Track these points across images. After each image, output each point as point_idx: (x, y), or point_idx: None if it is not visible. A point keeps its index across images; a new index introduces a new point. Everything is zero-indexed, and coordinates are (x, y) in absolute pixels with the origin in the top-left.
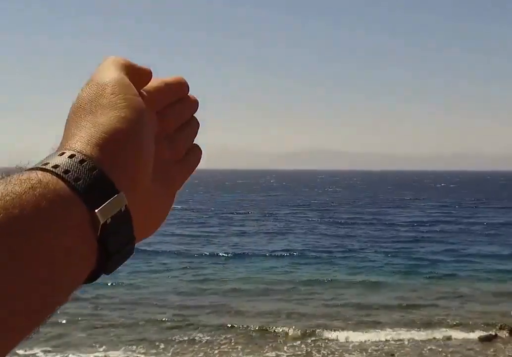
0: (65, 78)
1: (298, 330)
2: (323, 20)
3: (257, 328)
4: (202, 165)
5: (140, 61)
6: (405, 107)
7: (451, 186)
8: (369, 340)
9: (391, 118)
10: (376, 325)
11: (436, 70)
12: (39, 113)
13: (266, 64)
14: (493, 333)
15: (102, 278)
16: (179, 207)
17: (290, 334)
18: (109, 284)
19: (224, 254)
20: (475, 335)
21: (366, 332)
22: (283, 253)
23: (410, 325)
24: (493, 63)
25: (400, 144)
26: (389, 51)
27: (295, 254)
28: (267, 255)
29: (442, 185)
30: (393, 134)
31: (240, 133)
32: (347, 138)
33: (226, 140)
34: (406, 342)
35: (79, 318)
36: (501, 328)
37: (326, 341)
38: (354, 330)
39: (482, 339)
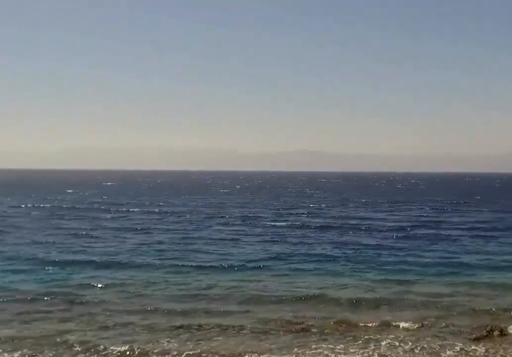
0: None
1: None
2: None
3: None
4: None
5: None
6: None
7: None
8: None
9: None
10: (368, 329)
11: None
12: None
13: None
14: (485, 334)
15: None
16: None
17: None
18: None
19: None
20: (467, 336)
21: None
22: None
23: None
24: None
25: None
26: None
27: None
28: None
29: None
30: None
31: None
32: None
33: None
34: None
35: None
36: (492, 330)
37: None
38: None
39: (473, 340)
